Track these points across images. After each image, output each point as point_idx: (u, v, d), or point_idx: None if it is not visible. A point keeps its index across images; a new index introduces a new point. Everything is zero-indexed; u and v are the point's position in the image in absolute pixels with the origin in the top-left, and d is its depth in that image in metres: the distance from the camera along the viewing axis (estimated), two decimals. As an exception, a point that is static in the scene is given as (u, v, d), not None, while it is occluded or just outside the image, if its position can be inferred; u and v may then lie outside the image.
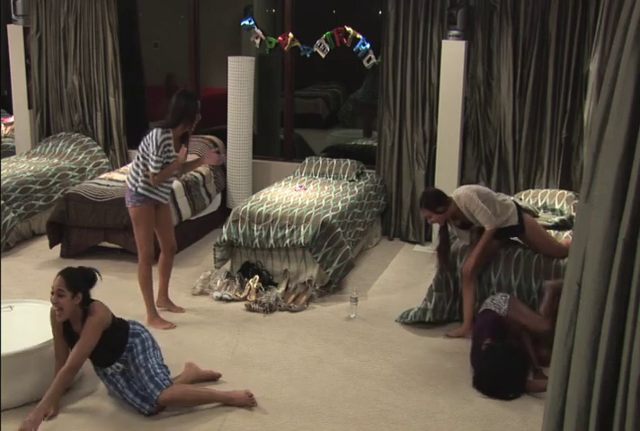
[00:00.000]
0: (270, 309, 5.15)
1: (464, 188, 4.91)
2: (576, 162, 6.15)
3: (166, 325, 4.93)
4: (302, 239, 5.39)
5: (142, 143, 4.75)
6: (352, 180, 6.58)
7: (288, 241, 5.45)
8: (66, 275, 3.76)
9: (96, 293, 5.39)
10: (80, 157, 7.37)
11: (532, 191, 6.06)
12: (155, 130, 4.69)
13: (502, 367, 4.07)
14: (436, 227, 6.47)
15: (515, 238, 4.94)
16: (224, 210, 6.95)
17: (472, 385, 4.17)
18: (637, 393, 1.93)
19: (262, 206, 5.74)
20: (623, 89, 2.01)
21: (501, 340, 4.19)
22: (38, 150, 7.54)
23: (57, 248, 6.15)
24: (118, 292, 5.45)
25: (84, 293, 3.79)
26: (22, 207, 6.48)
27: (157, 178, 4.70)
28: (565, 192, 5.89)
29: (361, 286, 5.58)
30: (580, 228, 2.23)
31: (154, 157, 4.63)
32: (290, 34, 6.90)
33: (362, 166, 6.84)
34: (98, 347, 3.73)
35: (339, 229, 5.58)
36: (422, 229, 6.66)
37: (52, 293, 3.72)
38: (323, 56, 6.84)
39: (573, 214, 5.48)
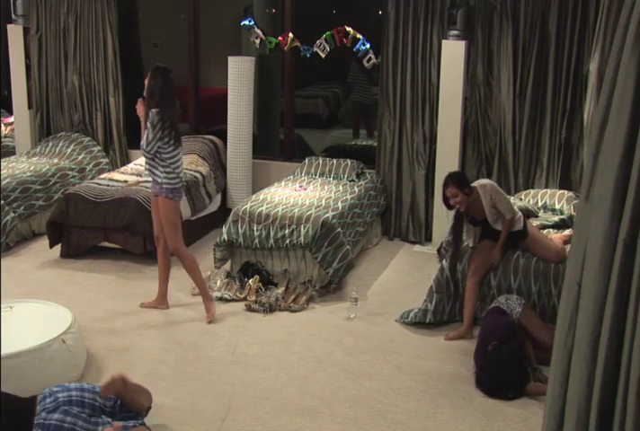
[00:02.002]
0: (270, 309, 5.15)
1: (487, 179, 4.93)
2: (576, 162, 6.15)
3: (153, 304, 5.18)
4: (302, 239, 5.39)
5: None
6: (352, 180, 6.58)
7: (288, 241, 5.45)
8: None
9: (97, 293, 5.41)
10: (80, 157, 7.37)
11: (532, 191, 6.06)
12: None
13: (505, 370, 4.07)
14: (436, 227, 6.49)
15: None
16: (224, 210, 6.95)
17: (475, 384, 4.17)
18: (637, 393, 1.93)
19: (262, 206, 5.74)
20: (623, 89, 2.00)
21: (507, 343, 4.18)
22: (38, 150, 7.54)
23: (57, 248, 6.15)
24: (117, 292, 5.46)
25: None
26: (22, 207, 6.48)
27: None
28: (565, 192, 5.89)
29: (361, 286, 5.58)
30: (580, 228, 2.23)
31: None
32: (290, 34, 6.90)
33: (362, 166, 6.84)
34: None
35: (339, 229, 5.57)
36: (422, 229, 6.66)
37: None
38: (323, 56, 6.84)
39: (573, 213, 5.49)
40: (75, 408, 3.25)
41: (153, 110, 4.68)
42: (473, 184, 4.83)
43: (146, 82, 4.77)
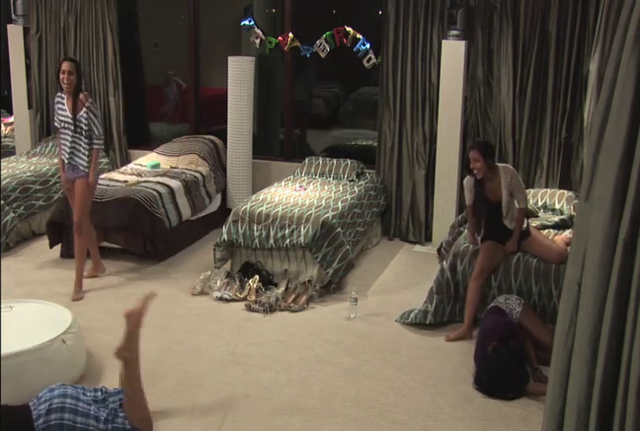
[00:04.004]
0: (270, 309, 5.15)
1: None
2: (576, 161, 6.15)
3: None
4: (302, 239, 5.39)
5: None
6: (352, 180, 6.58)
7: (288, 241, 5.45)
8: None
9: (97, 293, 5.41)
10: (80, 157, 7.36)
11: (532, 191, 6.05)
12: None
13: (505, 370, 4.07)
14: (436, 227, 6.49)
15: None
16: (224, 210, 6.95)
17: (473, 383, 4.17)
18: (637, 393, 1.93)
19: (262, 206, 5.74)
20: (623, 89, 2.00)
21: (506, 343, 4.18)
22: (38, 150, 7.55)
23: (57, 248, 6.15)
24: (117, 292, 5.45)
25: None
26: (22, 207, 6.48)
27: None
28: (565, 192, 5.89)
29: (361, 286, 5.57)
30: (580, 228, 2.23)
31: None
32: (290, 34, 6.90)
33: (362, 166, 6.84)
34: None
35: (339, 229, 5.57)
36: (422, 229, 6.66)
37: None
38: (323, 56, 6.84)
39: (573, 213, 5.49)
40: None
41: (91, 102, 5.26)
42: (498, 164, 4.89)
43: (72, 77, 5.19)
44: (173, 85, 8.36)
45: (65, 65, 5.20)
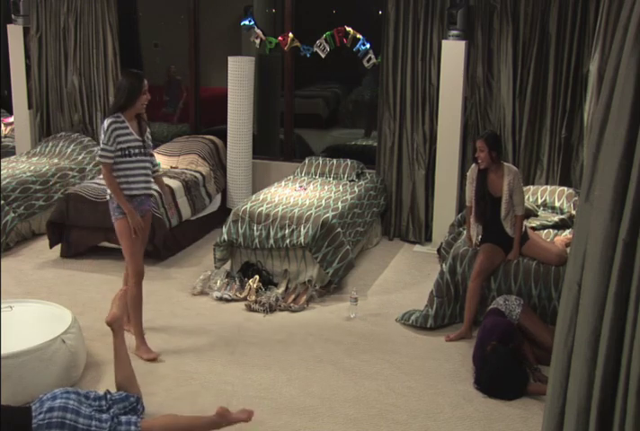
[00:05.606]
0: (270, 309, 5.15)
1: None
2: (575, 161, 6.16)
3: (152, 355, 4.42)
4: (302, 239, 5.39)
5: None
6: (352, 180, 6.59)
7: (288, 241, 5.45)
8: None
9: (97, 293, 5.41)
10: (80, 157, 7.37)
11: (532, 188, 6.04)
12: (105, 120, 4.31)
13: (504, 370, 4.07)
14: (436, 227, 6.49)
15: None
16: (224, 210, 6.95)
17: (473, 383, 4.17)
18: (637, 393, 1.93)
19: (262, 206, 5.74)
20: (623, 89, 2.00)
21: (505, 344, 4.17)
22: (38, 150, 7.55)
23: (57, 248, 6.15)
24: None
25: None
26: (22, 207, 6.48)
27: (105, 170, 4.32)
28: (565, 189, 5.87)
29: (361, 286, 5.58)
30: (580, 228, 2.23)
31: (101, 145, 4.27)
32: (290, 34, 6.90)
33: (362, 166, 6.85)
34: None
35: (339, 229, 5.57)
36: (422, 229, 6.66)
37: None
38: (323, 56, 6.84)
39: (573, 212, 5.48)
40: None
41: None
42: (504, 163, 4.91)
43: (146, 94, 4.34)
44: (176, 82, 8.35)
45: (146, 85, 4.30)
